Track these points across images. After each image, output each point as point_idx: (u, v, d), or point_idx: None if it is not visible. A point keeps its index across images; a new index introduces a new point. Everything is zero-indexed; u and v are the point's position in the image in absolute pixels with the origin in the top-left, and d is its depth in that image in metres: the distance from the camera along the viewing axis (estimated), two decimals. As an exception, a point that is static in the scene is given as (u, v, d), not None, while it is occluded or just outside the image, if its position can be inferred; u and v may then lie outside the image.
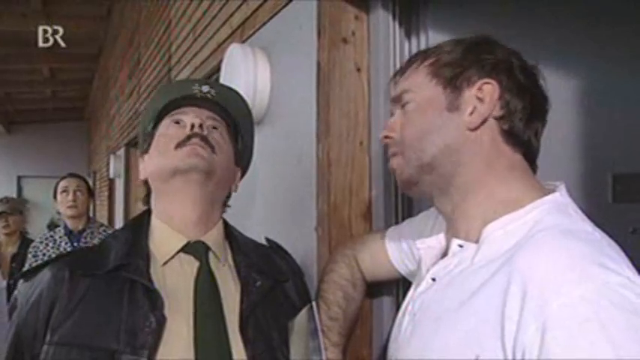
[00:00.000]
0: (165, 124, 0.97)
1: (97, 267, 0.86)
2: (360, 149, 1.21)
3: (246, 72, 1.52)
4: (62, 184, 2.76)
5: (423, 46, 1.23)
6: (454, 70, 0.71)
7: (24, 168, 8.28)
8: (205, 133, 0.93)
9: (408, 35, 1.23)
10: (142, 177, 0.99)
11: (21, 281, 0.90)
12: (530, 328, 0.53)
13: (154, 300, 0.83)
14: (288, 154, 1.43)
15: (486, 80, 0.70)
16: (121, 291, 0.84)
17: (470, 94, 0.70)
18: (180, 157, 0.90)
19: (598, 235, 0.62)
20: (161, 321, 0.81)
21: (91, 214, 2.89)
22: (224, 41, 1.93)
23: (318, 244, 1.22)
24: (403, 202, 1.16)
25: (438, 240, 0.78)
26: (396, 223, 1.12)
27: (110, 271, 0.85)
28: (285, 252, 1.09)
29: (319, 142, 1.24)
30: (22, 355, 0.83)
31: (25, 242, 3.36)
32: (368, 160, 1.21)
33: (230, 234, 1.00)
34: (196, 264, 0.90)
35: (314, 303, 0.90)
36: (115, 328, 0.80)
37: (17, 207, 3.46)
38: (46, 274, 0.87)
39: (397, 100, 0.77)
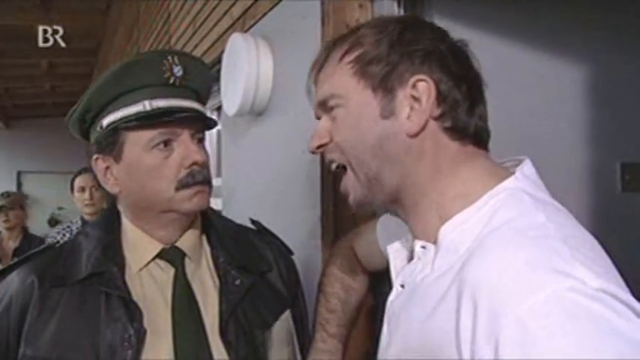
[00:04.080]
0: (146, 140, 0.81)
1: (68, 275, 0.81)
2: (365, 139, 1.19)
3: (248, 62, 1.50)
4: (78, 181, 2.77)
5: (428, 35, 1.21)
6: (383, 69, 0.62)
7: (23, 163, 8.25)
8: (207, 172, 0.84)
9: (413, 23, 1.21)
10: (112, 190, 0.86)
11: None
12: (484, 349, 0.50)
13: (132, 311, 0.79)
14: (292, 144, 1.41)
15: (419, 77, 0.61)
16: (97, 303, 0.79)
17: (403, 94, 0.62)
18: (181, 201, 0.82)
19: (552, 226, 0.55)
20: (140, 333, 0.78)
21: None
22: (225, 32, 1.91)
23: (323, 233, 1.21)
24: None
25: (406, 241, 0.72)
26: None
27: (82, 279, 0.81)
28: (271, 234, 1.02)
29: (324, 132, 1.22)
30: None
31: (27, 237, 3.38)
32: (373, 150, 1.20)
33: (208, 225, 0.93)
34: (172, 270, 0.86)
35: (289, 311, 0.88)
36: (94, 343, 0.77)
37: (17, 201, 3.45)
38: (14, 280, 0.83)
39: (322, 105, 0.69)
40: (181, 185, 0.82)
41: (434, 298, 0.58)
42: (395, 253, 0.72)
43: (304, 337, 0.98)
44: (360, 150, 0.65)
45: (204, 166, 0.84)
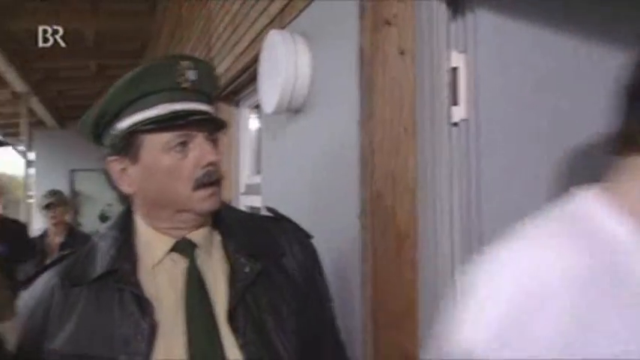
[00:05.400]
0: (163, 143, 0.85)
1: (85, 275, 0.87)
2: (405, 135, 1.16)
3: (286, 58, 1.49)
4: None
5: (470, 27, 1.16)
6: None
7: (76, 162, 8.59)
8: (220, 171, 0.89)
9: (454, 15, 1.17)
10: (128, 190, 0.90)
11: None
12: None
13: (144, 306, 0.83)
14: (330, 141, 1.40)
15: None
16: (111, 299, 0.85)
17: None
18: (198, 201, 0.87)
19: None
20: (153, 326, 0.82)
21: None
22: (263, 29, 1.91)
23: (361, 232, 1.19)
24: (452, 188, 1.11)
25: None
26: (443, 210, 1.07)
27: (99, 278, 0.86)
28: (288, 220, 1.04)
29: (362, 128, 1.20)
30: None
31: (72, 233, 3.62)
32: (413, 147, 1.17)
33: (218, 216, 0.95)
34: (184, 262, 0.89)
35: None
36: (109, 337, 0.82)
37: (62, 199, 3.69)
38: (39, 283, 0.89)
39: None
40: (197, 185, 0.86)
41: None
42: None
43: (323, 318, 0.98)
44: None
45: (219, 165, 0.89)
